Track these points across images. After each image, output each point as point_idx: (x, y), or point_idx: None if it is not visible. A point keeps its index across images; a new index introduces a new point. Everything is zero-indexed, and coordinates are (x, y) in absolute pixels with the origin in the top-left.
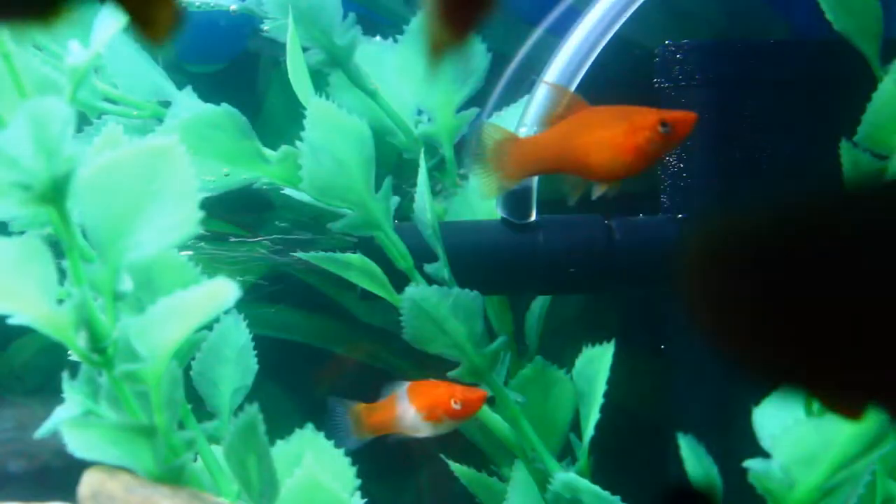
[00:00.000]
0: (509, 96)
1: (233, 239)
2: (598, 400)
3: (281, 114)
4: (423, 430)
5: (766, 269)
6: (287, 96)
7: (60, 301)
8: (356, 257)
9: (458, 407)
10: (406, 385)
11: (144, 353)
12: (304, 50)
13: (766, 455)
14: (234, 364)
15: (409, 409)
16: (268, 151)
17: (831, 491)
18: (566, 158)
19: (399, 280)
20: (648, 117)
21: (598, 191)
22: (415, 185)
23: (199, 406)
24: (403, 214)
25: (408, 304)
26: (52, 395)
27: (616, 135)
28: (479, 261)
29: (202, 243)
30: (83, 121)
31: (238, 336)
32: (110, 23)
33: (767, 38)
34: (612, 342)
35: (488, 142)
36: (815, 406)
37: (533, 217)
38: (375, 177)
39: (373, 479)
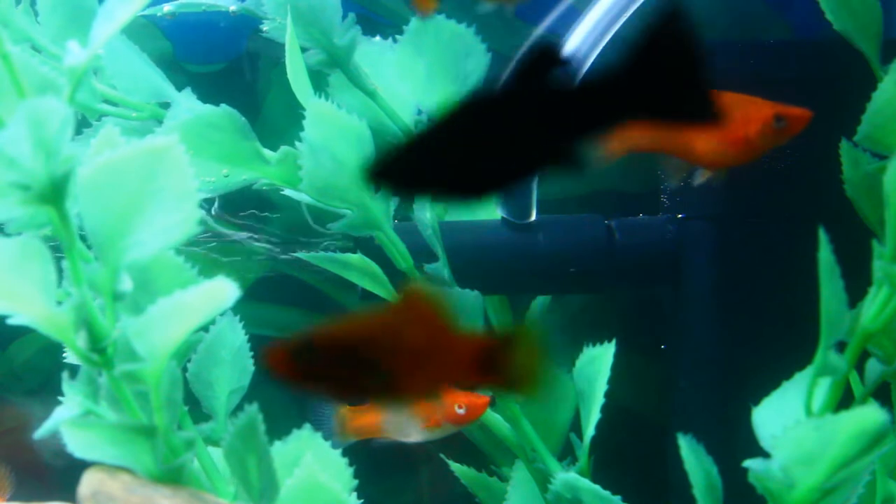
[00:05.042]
0: None
1: (233, 239)
2: (598, 399)
3: (280, 114)
4: (416, 436)
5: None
6: (286, 96)
7: (60, 301)
8: (356, 257)
9: (462, 412)
10: None
11: (144, 354)
12: (304, 50)
13: (766, 455)
14: (230, 366)
15: (400, 415)
16: (267, 152)
17: (831, 491)
18: (671, 139)
19: (399, 280)
20: (763, 110)
21: (701, 177)
22: None
23: (196, 408)
24: (403, 214)
25: None
26: (52, 395)
27: (727, 124)
28: (480, 261)
29: (202, 243)
30: (83, 123)
31: (234, 337)
32: (108, 23)
33: (767, 38)
34: (613, 342)
35: None
36: (815, 406)
37: (533, 217)
38: None
39: (373, 480)
